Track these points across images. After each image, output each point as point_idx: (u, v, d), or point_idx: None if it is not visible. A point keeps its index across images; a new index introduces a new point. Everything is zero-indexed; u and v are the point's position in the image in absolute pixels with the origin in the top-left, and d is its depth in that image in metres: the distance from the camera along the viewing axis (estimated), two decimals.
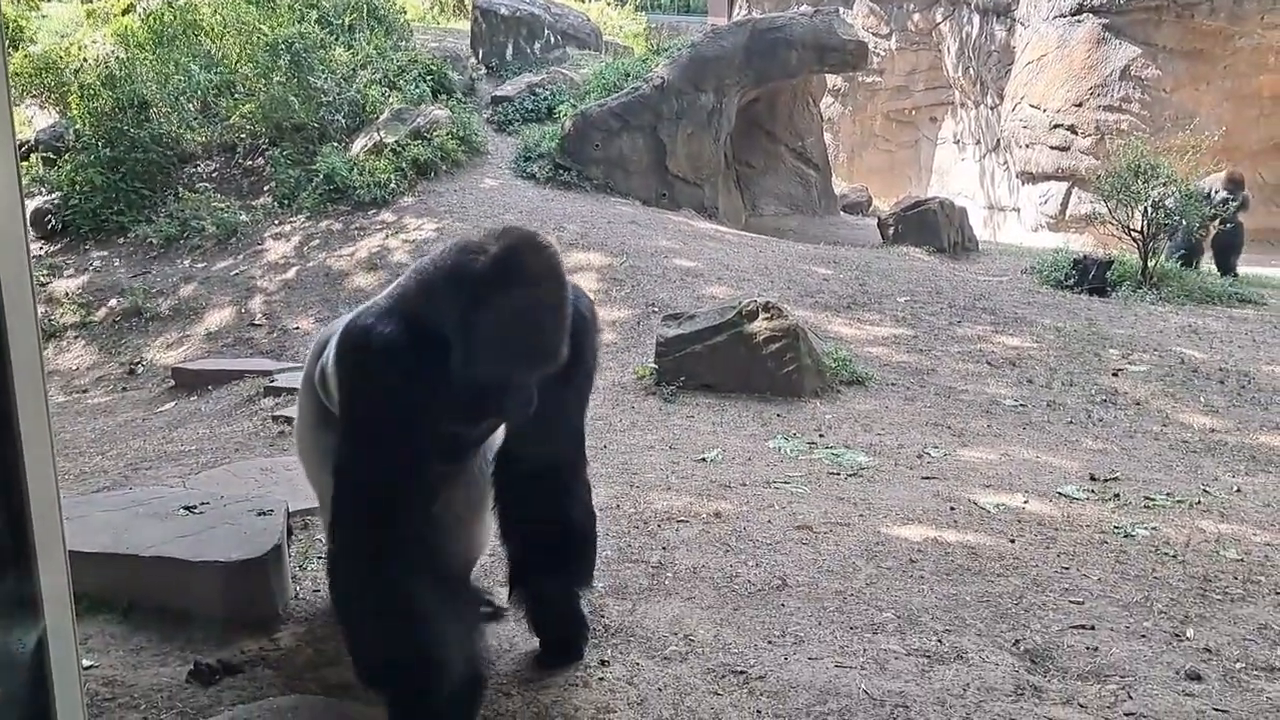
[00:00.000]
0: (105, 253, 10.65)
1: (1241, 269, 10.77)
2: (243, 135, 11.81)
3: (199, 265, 10.08)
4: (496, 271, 2.29)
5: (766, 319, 6.51)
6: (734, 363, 6.49)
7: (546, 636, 2.94)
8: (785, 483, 4.77)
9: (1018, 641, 3.12)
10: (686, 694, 2.79)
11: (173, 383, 7.60)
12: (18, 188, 1.70)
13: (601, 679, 2.87)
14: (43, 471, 1.74)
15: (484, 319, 2.26)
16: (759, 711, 2.70)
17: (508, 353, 2.30)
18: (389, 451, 2.37)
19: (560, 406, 2.60)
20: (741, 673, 2.91)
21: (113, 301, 9.66)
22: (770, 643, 3.11)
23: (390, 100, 11.79)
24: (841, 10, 16.81)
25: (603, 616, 3.27)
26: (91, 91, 11.65)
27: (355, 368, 2.41)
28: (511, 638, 3.04)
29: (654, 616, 3.28)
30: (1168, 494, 4.77)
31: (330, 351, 2.59)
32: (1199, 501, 4.67)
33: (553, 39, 14.19)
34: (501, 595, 3.06)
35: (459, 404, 2.38)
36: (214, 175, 11.59)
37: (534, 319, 2.31)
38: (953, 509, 4.40)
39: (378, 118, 11.47)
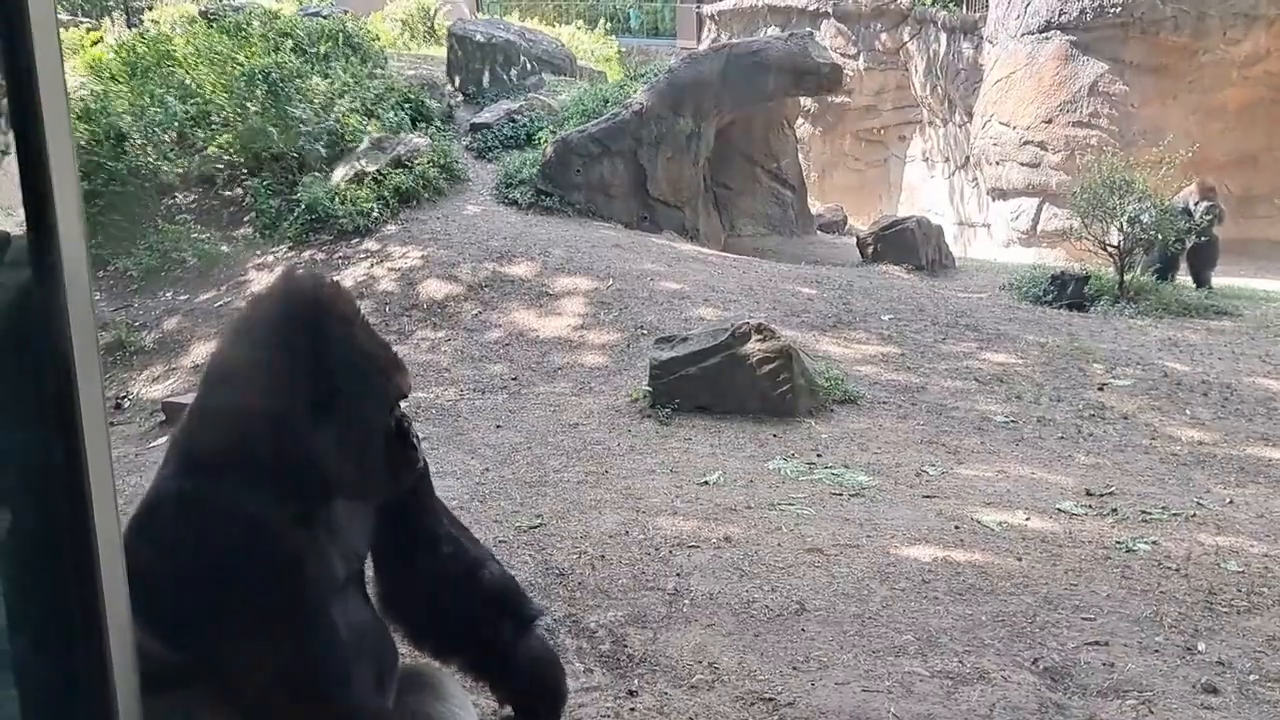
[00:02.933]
0: None
1: (1214, 281, 10.97)
2: (221, 166, 11.74)
3: (181, 297, 10.02)
4: (279, 307, 1.98)
5: (759, 340, 6.57)
6: (728, 384, 6.54)
7: (536, 693, 2.57)
8: (790, 504, 4.81)
9: (1036, 660, 3.18)
10: None
11: (163, 417, 7.54)
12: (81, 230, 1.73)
13: (632, 709, 2.90)
14: (107, 512, 1.74)
15: (321, 367, 1.94)
16: None
17: (368, 381, 1.99)
18: (312, 629, 1.93)
19: None
20: (770, 700, 2.94)
21: None
22: (795, 668, 3.14)
23: (369, 128, 11.78)
24: (810, 31, 17.03)
25: (625, 646, 3.30)
26: None
27: (212, 563, 1.87)
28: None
29: (676, 644, 3.31)
30: (1163, 508, 4.85)
31: None
32: (1194, 514, 4.76)
33: (528, 65, 14.24)
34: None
35: (352, 484, 2.04)
36: (193, 206, 11.52)
37: (363, 329, 2.06)
38: (957, 528, 4.46)
39: (357, 146, 11.45)
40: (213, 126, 11.88)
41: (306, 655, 1.91)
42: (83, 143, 11.26)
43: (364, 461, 2.01)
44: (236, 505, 1.88)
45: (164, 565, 1.87)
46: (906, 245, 11.40)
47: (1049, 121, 14.93)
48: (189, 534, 1.89)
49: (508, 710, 2.65)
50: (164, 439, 7.02)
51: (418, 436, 2.09)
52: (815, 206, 16.25)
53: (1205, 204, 10.32)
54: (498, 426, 6.47)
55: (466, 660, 2.52)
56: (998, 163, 15.73)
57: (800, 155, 15.80)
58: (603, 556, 4.09)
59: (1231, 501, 5.02)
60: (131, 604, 1.88)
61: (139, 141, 11.67)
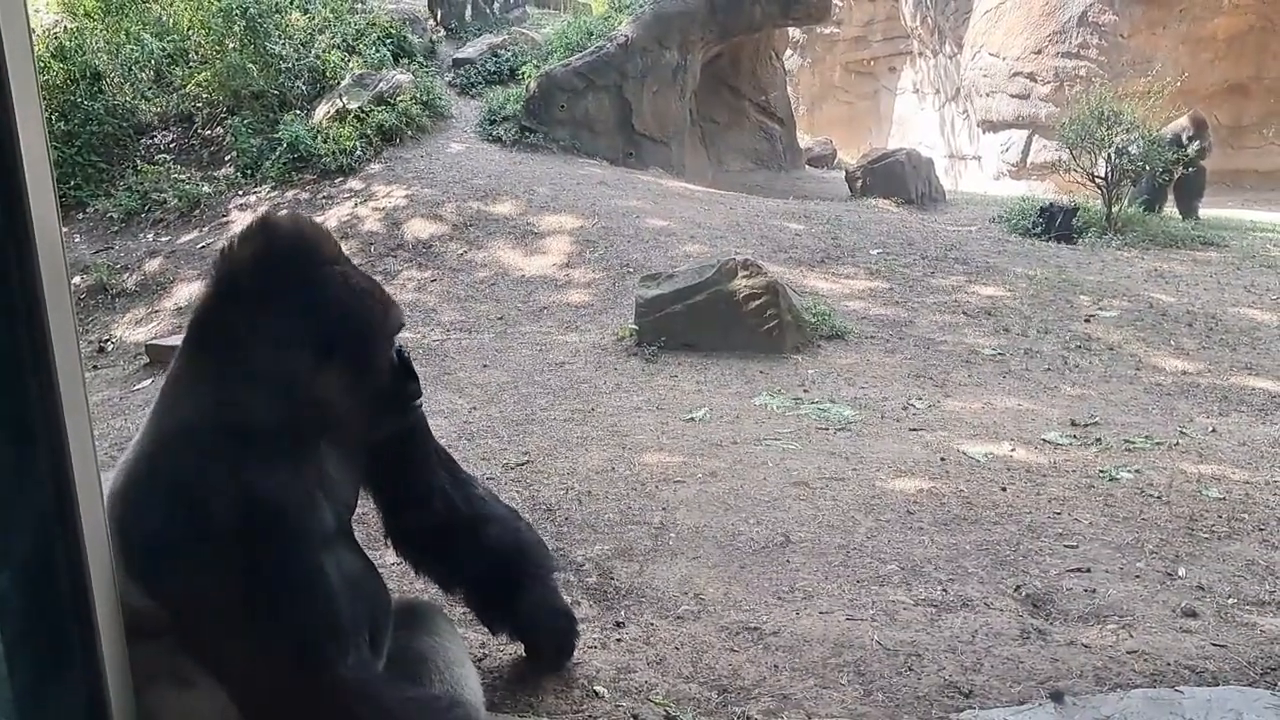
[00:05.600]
0: (65, 229, 10.41)
1: (1201, 211, 10.95)
2: (200, 104, 11.58)
3: (163, 239, 9.93)
4: (264, 254, 1.92)
5: (746, 276, 6.54)
6: (715, 321, 6.53)
7: (537, 642, 2.70)
8: (775, 439, 4.83)
9: (1019, 587, 3.21)
10: (703, 651, 2.85)
11: (146, 359, 7.50)
12: (51, 185, 1.69)
13: (619, 640, 2.92)
14: (89, 482, 1.73)
15: (317, 309, 1.90)
16: (776, 666, 2.76)
17: (367, 317, 1.95)
18: (306, 580, 1.89)
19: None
20: (755, 629, 2.97)
21: (76, 279, 9.48)
22: (780, 598, 3.17)
23: (350, 65, 11.61)
24: None
25: (612, 578, 3.32)
26: (41, 64, 11.36)
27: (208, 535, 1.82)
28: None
29: (662, 577, 3.33)
30: (1147, 437, 4.88)
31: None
32: (1177, 443, 4.79)
33: None
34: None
35: (361, 423, 2.03)
36: (172, 146, 11.37)
37: (350, 266, 2.01)
38: (943, 460, 4.48)
39: (338, 83, 11.29)
40: (190, 64, 11.68)
41: (290, 626, 1.85)
42: (58, 82, 11.09)
43: (371, 398, 1.99)
44: (231, 463, 1.82)
45: (152, 530, 1.85)
46: (896, 179, 11.34)
47: (1038, 52, 14.78)
48: (178, 496, 1.84)
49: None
50: (148, 382, 7.00)
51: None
52: (804, 140, 16.11)
53: (1192, 134, 10.27)
54: (485, 365, 6.46)
55: (469, 604, 2.63)
56: (987, 94, 15.59)
57: (789, 88, 15.64)
58: (589, 492, 4.11)
59: (1214, 430, 5.06)
60: (126, 569, 1.87)
61: (116, 80, 11.49)
